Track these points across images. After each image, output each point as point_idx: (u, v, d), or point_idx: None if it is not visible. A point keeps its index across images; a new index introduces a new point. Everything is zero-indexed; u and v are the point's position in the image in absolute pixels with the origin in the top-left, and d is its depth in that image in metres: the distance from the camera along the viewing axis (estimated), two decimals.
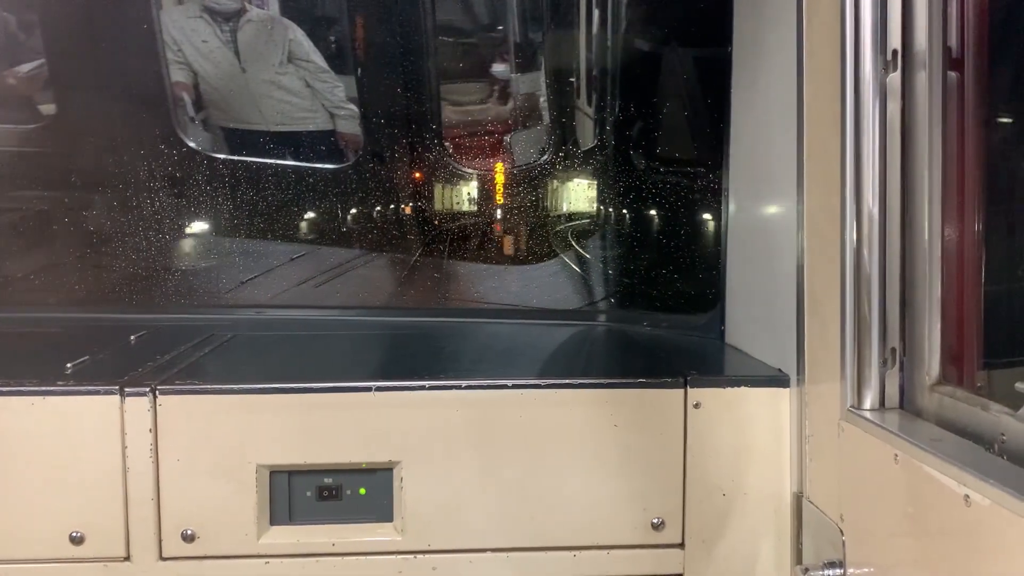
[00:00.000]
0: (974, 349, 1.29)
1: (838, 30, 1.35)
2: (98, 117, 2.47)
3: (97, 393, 1.53)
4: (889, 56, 1.30)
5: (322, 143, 2.65)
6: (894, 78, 1.31)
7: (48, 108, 2.56)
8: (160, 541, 1.55)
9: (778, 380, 1.62)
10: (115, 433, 1.53)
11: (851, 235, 1.34)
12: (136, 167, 2.41)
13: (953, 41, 1.27)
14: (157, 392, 1.54)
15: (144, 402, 1.53)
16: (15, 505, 1.54)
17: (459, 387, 1.58)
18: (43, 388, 1.53)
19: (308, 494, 1.58)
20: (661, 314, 2.33)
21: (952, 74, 1.28)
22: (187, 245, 2.49)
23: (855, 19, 1.32)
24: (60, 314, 2.38)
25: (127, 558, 1.55)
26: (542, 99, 2.61)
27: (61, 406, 1.53)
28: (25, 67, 2.55)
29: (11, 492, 1.53)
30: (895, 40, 1.30)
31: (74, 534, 1.54)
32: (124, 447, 1.53)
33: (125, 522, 1.54)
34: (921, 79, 1.29)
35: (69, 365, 1.68)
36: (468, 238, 2.55)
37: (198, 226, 2.48)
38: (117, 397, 1.53)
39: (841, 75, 1.34)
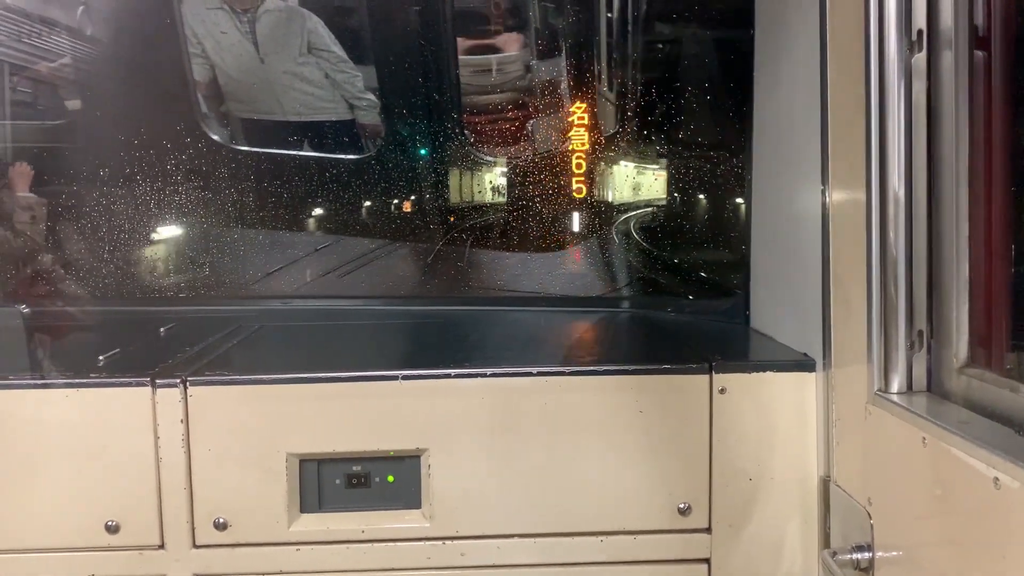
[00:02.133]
0: (1003, 331, 1.27)
1: (862, 10, 1.33)
2: (122, 112, 2.49)
3: (129, 385, 1.56)
4: (914, 36, 1.29)
5: (344, 134, 2.66)
6: (919, 58, 1.29)
7: (73, 104, 2.59)
8: (193, 529, 1.58)
9: (804, 364, 1.61)
10: (147, 424, 1.56)
11: (877, 217, 1.33)
12: (161, 160, 2.44)
13: (979, 20, 1.25)
14: (188, 383, 1.56)
15: (175, 393, 1.56)
16: (52, 495, 1.57)
17: (484, 375, 1.59)
18: (76, 380, 1.56)
19: (337, 482, 1.60)
20: (685, 299, 2.33)
21: (979, 53, 1.26)
22: (212, 237, 2.51)
23: None
24: (90, 307, 2.41)
25: (161, 546, 1.58)
26: (563, 85, 2.60)
27: (94, 398, 1.56)
28: (50, 64, 2.58)
29: (48, 483, 1.57)
30: (920, 20, 1.29)
31: (109, 523, 1.57)
32: (156, 438, 1.56)
33: (159, 511, 1.57)
34: (947, 59, 1.27)
35: (101, 357, 1.71)
36: (490, 226, 2.56)
37: (223, 218, 2.50)
38: (148, 389, 1.56)
39: (865, 56, 1.33)
